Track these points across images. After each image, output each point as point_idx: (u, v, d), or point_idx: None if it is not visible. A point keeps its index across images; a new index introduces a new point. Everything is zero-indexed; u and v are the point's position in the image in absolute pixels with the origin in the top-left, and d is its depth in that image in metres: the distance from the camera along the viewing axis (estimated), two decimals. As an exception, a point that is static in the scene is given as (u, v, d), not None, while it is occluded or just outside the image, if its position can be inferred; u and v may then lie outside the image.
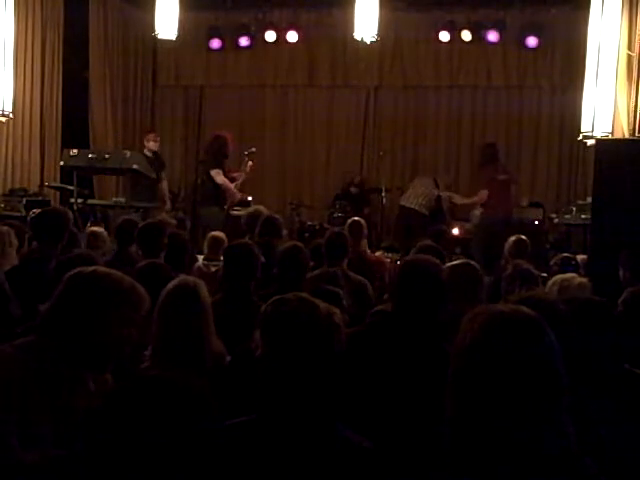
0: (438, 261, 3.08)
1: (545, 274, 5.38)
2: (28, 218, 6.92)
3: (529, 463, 1.51)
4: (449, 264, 3.78)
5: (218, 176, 8.29)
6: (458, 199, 9.89)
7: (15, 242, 4.76)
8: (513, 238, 5.99)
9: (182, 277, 3.06)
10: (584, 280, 4.31)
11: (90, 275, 2.16)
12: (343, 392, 2.60)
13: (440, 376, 2.63)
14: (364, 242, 6.35)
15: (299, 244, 4.46)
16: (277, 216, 5.84)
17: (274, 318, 1.85)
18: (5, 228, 4.87)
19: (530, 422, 1.52)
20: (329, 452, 1.82)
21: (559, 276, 4.46)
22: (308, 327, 1.82)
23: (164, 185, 9.33)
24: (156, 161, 9.15)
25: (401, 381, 2.68)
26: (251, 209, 6.38)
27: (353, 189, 11.21)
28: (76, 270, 2.20)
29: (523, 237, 6.01)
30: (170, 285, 2.83)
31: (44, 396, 1.99)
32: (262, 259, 4.06)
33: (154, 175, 8.73)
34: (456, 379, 1.59)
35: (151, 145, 9.24)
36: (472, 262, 3.88)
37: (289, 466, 1.79)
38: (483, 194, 8.90)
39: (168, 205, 9.47)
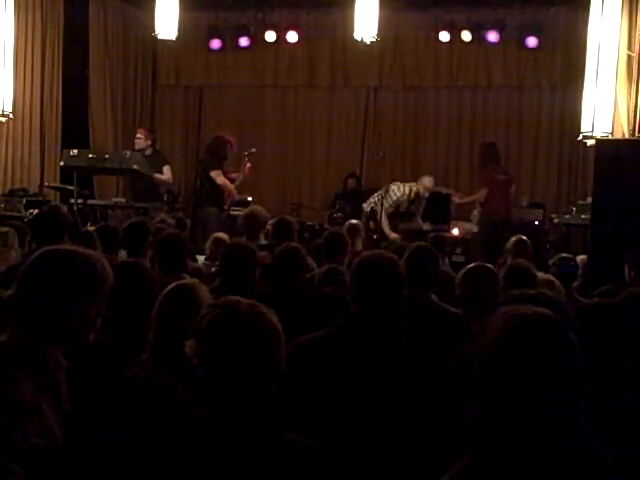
0: (393, 255, 3.07)
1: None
2: (25, 219, 6.90)
3: (560, 463, 1.53)
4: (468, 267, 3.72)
5: (218, 177, 8.28)
6: (457, 198, 9.91)
7: (16, 244, 4.70)
8: (514, 238, 5.98)
9: (180, 279, 3.06)
10: (552, 278, 4.36)
11: (53, 253, 2.14)
12: (316, 394, 2.64)
13: (402, 372, 2.68)
14: (358, 242, 6.40)
15: (295, 245, 4.46)
16: (291, 218, 5.88)
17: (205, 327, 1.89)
18: (5, 229, 4.83)
19: (560, 421, 1.55)
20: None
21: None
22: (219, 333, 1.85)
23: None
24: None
25: (366, 381, 2.70)
26: (247, 210, 6.37)
27: (350, 182, 11.15)
28: (40, 251, 2.18)
29: (524, 238, 5.99)
30: (169, 287, 2.83)
31: (37, 385, 2.00)
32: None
33: (156, 175, 8.72)
34: (486, 382, 1.60)
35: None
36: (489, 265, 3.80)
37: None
38: (482, 192, 8.94)
39: None
